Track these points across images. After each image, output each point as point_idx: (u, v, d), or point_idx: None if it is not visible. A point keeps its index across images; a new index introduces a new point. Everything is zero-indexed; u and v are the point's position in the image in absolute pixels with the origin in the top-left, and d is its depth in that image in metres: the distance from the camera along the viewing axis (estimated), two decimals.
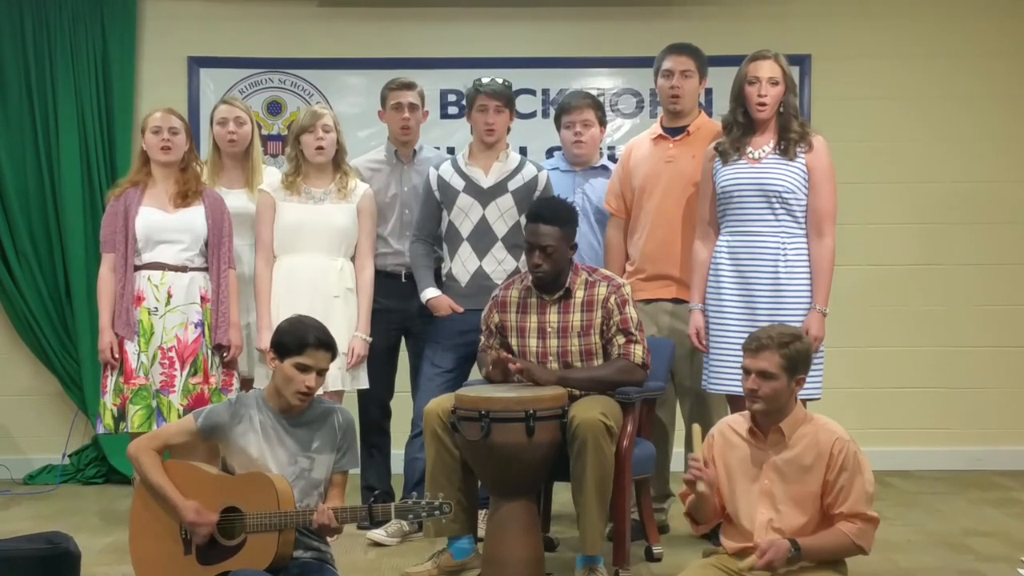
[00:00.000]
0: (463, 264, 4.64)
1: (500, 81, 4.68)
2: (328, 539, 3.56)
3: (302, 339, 3.46)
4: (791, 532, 3.28)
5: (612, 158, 5.69)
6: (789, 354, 3.32)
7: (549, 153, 5.77)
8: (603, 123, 4.96)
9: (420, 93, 4.93)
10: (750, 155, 4.30)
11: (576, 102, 4.93)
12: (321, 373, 3.51)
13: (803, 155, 4.27)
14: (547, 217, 4.08)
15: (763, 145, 4.31)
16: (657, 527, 4.46)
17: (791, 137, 4.27)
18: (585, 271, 4.21)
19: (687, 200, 4.57)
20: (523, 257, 4.35)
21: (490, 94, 4.62)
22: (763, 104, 4.27)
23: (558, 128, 4.98)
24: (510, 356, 4.10)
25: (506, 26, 6.31)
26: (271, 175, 4.96)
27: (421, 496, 3.45)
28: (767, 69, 4.28)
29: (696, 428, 3.54)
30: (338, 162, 4.75)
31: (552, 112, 5.43)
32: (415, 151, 4.95)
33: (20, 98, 6.06)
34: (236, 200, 4.83)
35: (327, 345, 3.50)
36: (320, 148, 4.66)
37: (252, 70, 6.23)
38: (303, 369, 3.45)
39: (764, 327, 3.55)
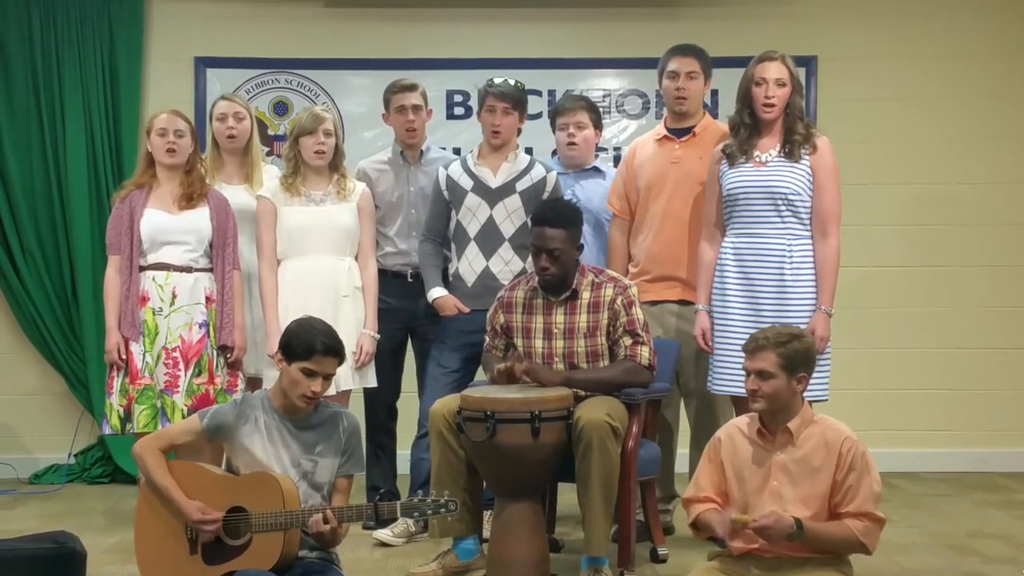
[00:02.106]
0: (470, 264, 4.64)
1: (512, 82, 4.66)
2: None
3: (310, 345, 3.45)
4: None
5: (617, 160, 5.69)
6: (786, 353, 3.32)
7: (554, 154, 5.77)
8: (598, 126, 4.97)
9: (422, 93, 4.92)
10: (756, 158, 4.31)
11: (570, 104, 4.95)
12: (328, 378, 3.50)
13: (808, 156, 4.27)
14: (552, 220, 4.07)
15: (769, 148, 4.31)
16: (662, 528, 4.46)
17: (795, 139, 4.27)
18: (592, 272, 4.21)
19: (693, 201, 4.57)
20: (530, 258, 4.35)
21: (498, 95, 4.61)
22: (770, 105, 4.27)
23: (553, 130, 4.99)
24: (517, 355, 4.08)
25: (512, 27, 6.31)
26: (271, 173, 4.97)
27: (427, 495, 3.45)
28: (774, 70, 4.28)
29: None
30: (335, 165, 4.75)
31: None
32: (422, 151, 4.95)
33: (27, 97, 6.07)
34: (235, 196, 4.84)
35: (335, 351, 3.49)
36: (320, 152, 4.66)
37: (258, 70, 6.23)
38: (309, 374, 3.45)
39: (765, 328, 3.55)
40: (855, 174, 5.53)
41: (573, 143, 4.88)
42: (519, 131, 4.72)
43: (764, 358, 3.32)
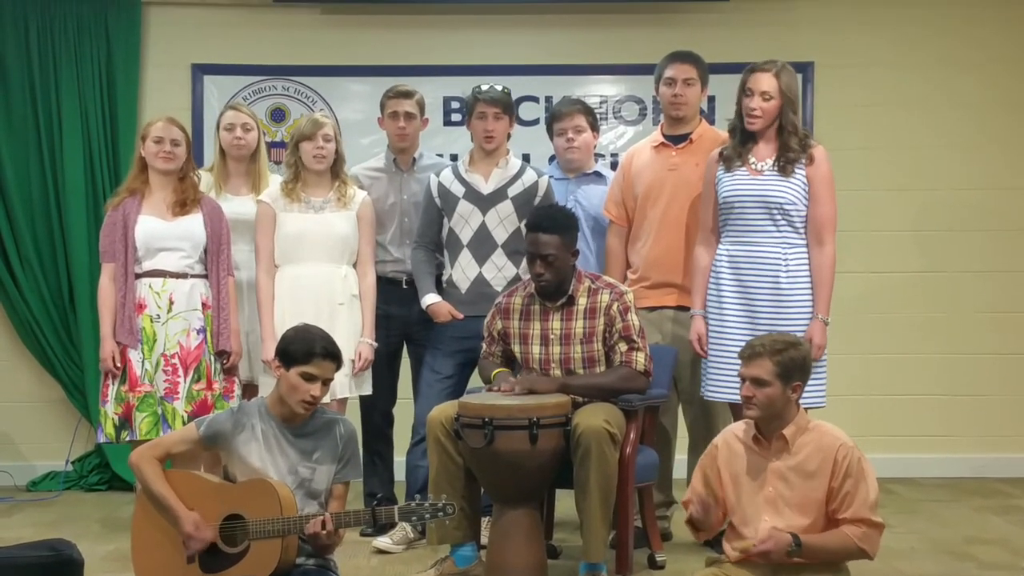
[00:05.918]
0: (463, 271, 4.64)
1: (499, 88, 4.68)
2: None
3: (309, 349, 3.46)
4: None
5: (614, 166, 5.69)
6: (782, 361, 3.32)
7: (551, 160, 5.77)
8: (595, 129, 4.97)
9: (419, 101, 4.93)
10: (752, 166, 4.30)
11: (567, 108, 4.94)
12: (326, 383, 3.51)
13: (803, 166, 4.26)
14: (546, 226, 4.07)
15: (766, 157, 4.30)
16: (660, 534, 4.45)
17: (789, 156, 4.25)
18: (588, 278, 4.21)
19: (691, 208, 4.57)
20: (523, 264, 4.35)
21: (489, 101, 4.61)
22: (752, 118, 4.27)
23: (551, 136, 4.99)
24: (509, 380, 4.06)
25: (509, 33, 6.32)
26: (276, 182, 4.97)
27: (424, 499, 3.45)
28: (762, 83, 4.26)
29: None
30: (336, 171, 4.75)
31: None
32: (415, 159, 4.95)
33: (25, 104, 6.07)
34: (242, 206, 4.85)
35: (333, 355, 3.50)
36: (319, 157, 4.66)
37: (256, 77, 6.24)
38: (309, 378, 3.45)
39: (763, 336, 3.55)
40: (852, 180, 5.53)
41: (573, 147, 4.88)
42: (509, 136, 4.72)
43: (760, 365, 3.33)
